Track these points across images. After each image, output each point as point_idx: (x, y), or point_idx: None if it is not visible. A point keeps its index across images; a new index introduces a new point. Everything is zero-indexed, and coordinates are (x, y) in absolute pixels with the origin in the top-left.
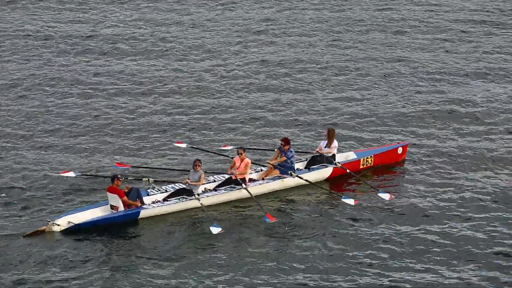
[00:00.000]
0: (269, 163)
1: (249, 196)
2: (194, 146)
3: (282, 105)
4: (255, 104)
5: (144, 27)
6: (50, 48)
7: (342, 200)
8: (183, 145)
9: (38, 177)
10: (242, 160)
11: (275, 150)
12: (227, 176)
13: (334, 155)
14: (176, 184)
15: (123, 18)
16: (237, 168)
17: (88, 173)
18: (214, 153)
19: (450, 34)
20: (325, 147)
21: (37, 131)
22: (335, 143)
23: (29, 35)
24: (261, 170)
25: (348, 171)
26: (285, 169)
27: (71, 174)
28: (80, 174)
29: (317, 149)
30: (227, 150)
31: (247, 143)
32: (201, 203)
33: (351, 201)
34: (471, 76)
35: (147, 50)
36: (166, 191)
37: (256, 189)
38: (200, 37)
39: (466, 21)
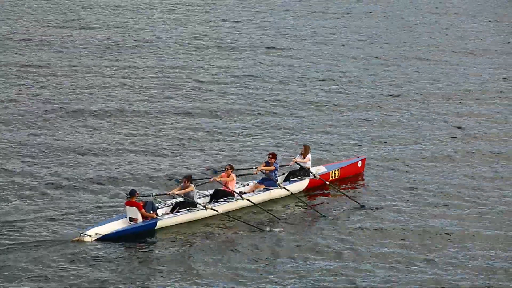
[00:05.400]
0: (257, 168)
1: (246, 205)
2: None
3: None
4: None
5: None
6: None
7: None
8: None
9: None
10: (228, 176)
11: (262, 163)
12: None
13: (309, 168)
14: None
15: None
16: (222, 177)
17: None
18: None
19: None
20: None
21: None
22: (309, 156)
23: None
24: (248, 185)
25: (327, 182)
26: (270, 181)
27: None
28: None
29: (293, 160)
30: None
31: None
32: (219, 211)
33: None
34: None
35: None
36: (172, 204)
37: (251, 199)
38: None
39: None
